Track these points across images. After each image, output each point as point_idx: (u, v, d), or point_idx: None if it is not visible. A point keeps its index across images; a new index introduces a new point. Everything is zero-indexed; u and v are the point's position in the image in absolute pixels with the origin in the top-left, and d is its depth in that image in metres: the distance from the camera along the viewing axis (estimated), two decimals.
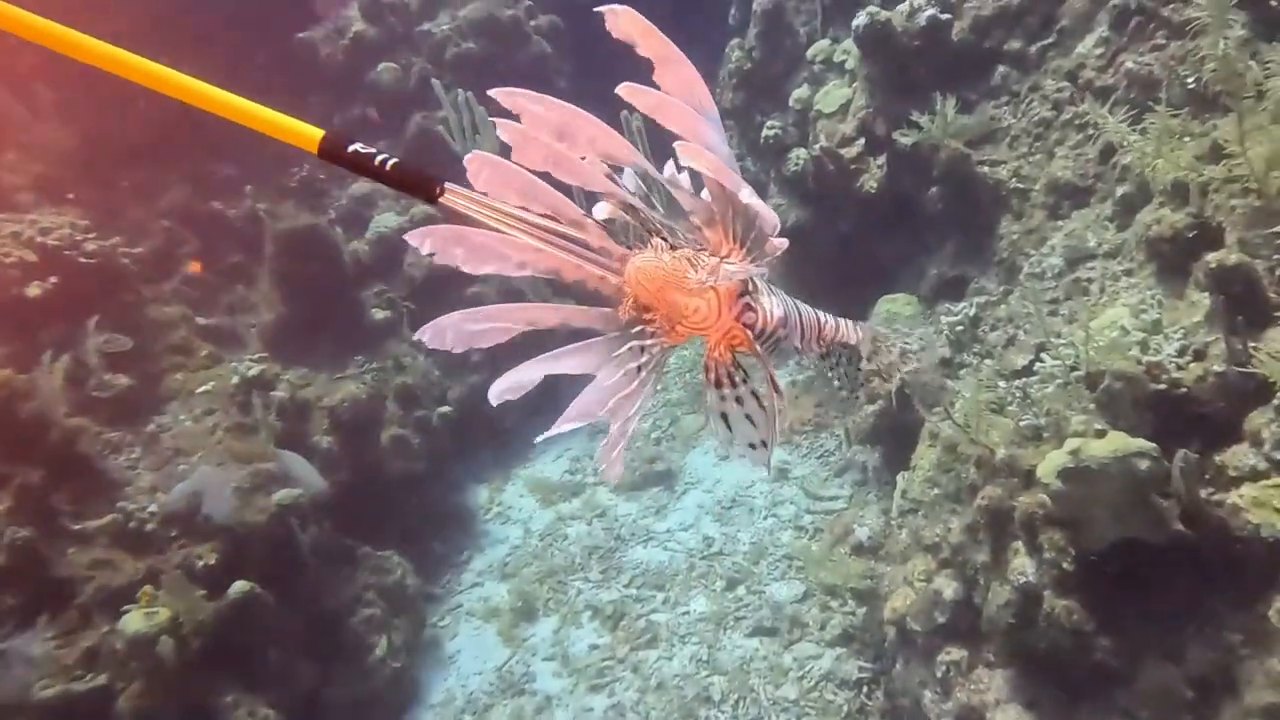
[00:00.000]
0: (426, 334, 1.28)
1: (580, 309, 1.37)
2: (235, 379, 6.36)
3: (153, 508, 5.21)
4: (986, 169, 5.79)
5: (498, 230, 1.23)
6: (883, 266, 6.73)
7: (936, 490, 4.60)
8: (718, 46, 8.46)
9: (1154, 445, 3.33)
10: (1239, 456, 3.28)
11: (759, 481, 6.84)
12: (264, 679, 5.04)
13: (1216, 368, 3.45)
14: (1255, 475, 3.21)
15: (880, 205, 6.59)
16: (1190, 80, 4.35)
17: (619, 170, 1.27)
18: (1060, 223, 5.22)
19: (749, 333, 1.41)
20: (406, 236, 1.27)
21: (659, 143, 1.20)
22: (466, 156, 1.22)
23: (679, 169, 1.29)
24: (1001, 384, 4.49)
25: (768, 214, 1.22)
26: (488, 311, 1.32)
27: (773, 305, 1.44)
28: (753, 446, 1.42)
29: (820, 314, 1.67)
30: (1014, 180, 5.63)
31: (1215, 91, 4.04)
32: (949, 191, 6.03)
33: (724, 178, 1.15)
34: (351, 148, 1.17)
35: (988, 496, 3.97)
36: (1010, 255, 5.54)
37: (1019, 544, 3.82)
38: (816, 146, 6.87)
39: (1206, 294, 3.61)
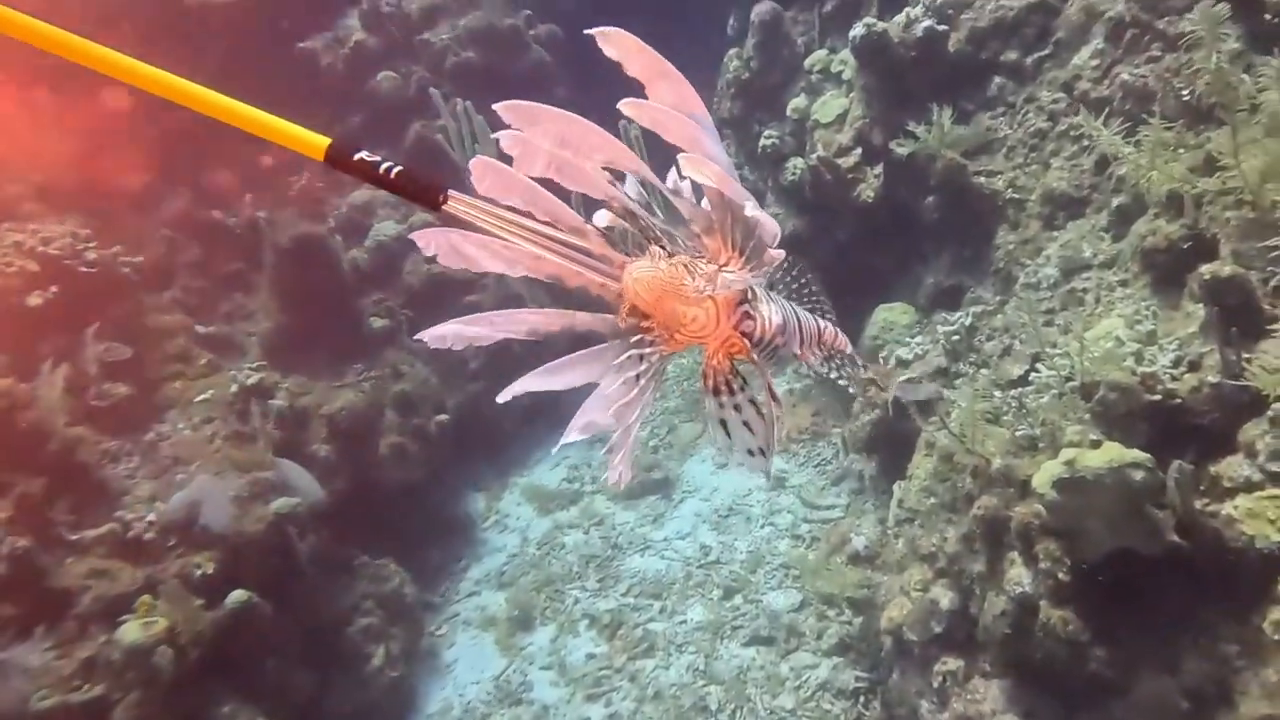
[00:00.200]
0: (427, 337, 1.29)
1: (583, 315, 1.38)
2: (234, 387, 6.37)
3: (151, 517, 5.22)
4: (983, 179, 5.81)
5: (500, 237, 1.25)
6: (880, 275, 6.75)
7: (933, 500, 4.61)
8: (716, 56, 8.49)
9: (1149, 456, 3.35)
10: (1233, 468, 3.29)
11: (756, 490, 6.85)
12: (261, 689, 5.04)
13: (1211, 379, 3.47)
14: (1250, 486, 3.22)
15: (877, 215, 6.61)
16: (1185, 92, 4.38)
17: (620, 178, 1.28)
18: (1056, 233, 5.24)
19: (747, 341, 1.42)
20: (412, 235, 1.29)
21: (656, 152, 1.22)
22: (471, 161, 1.24)
23: (681, 178, 1.30)
24: (997, 394, 4.51)
25: (769, 224, 1.23)
26: (489, 318, 1.33)
27: (771, 313, 1.45)
28: (751, 454, 1.42)
29: (820, 320, 1.68)
30: (1010, 191, 5.66)
31: (1209, 104, 4.06)
32: (945, 201, 6.06)
33: (726, 187, 1.17)
34: (357, 155, 1.19)
35: (984, 506, 3.98)
36: (1006, 265, 5.56)
37: (1015, 554, 3.83)
38: (814, 156, 6.90)
39: (1201, 305, 3.63)
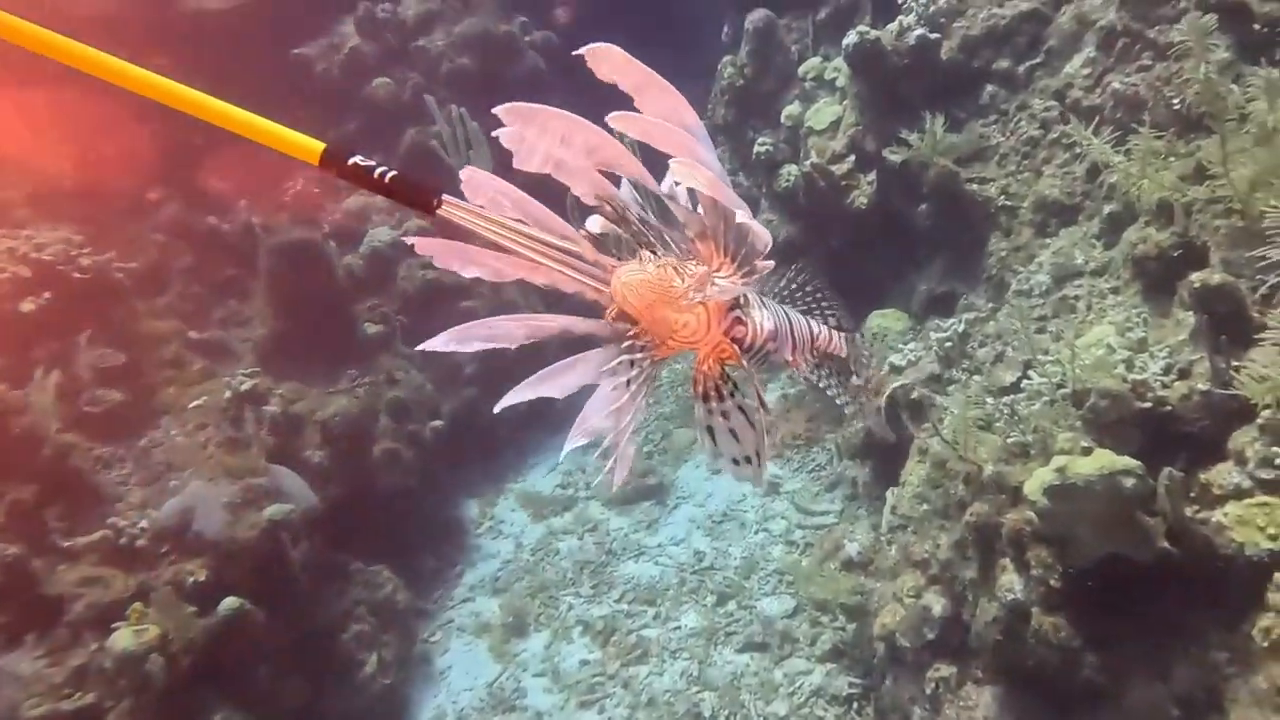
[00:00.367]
0: (428, 348, 1.30)
1: (579, 319, 1.38)
2: (228, 393, 6.36)
3: (144, 523, 5.20)
4: (975, 186, 5.84)
5: (494, 244, 1.26)
6: (873, 282, 6.77)
7: (926, 506, 4.62)
8: (710, 63, 8.53)
9: (1139, 463, 3.36)
10: (1223, 475, 3.30)
11: (750, 496, 6.86)
12: (254, 696, 5.02)
13: (1201, 386, 3.49)
14: (1239, 494, 3.23)
15: (870, 221, 6.64)
16: (1175, 101, 4.41)
17: (616, 181, 1.29)
18: (1048, 240, 5.26)
19: (737, 348, 1.42)
20: (411, 241, 1.29)
21: (651, 160, 1.22)
22: (462, 172, 1.25)
23: (675, 184, 1.31)
24: (990, 400, 4.52)
25: (760, 232, 1.24)
26: (487, 324, 1.33)
27: (763, 319, 1.45)
28: (736, 462, 1.42)
29: (813, 324, 1.68)
30: (1002, 198, 5.68)
31: (1199, 113, 4.09)
32: (938, 208, 6.08)
33: (718, 194, 1.18)
34: (352, 160, 1.20)
35: (976, 513, 3.99)
36: (999, 272, 5.58)
37: (1007, 560, 3.83)
38: (807, 163, 6.92)
39: (1191, 313, 3.65)
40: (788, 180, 7.25)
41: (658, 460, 7.48)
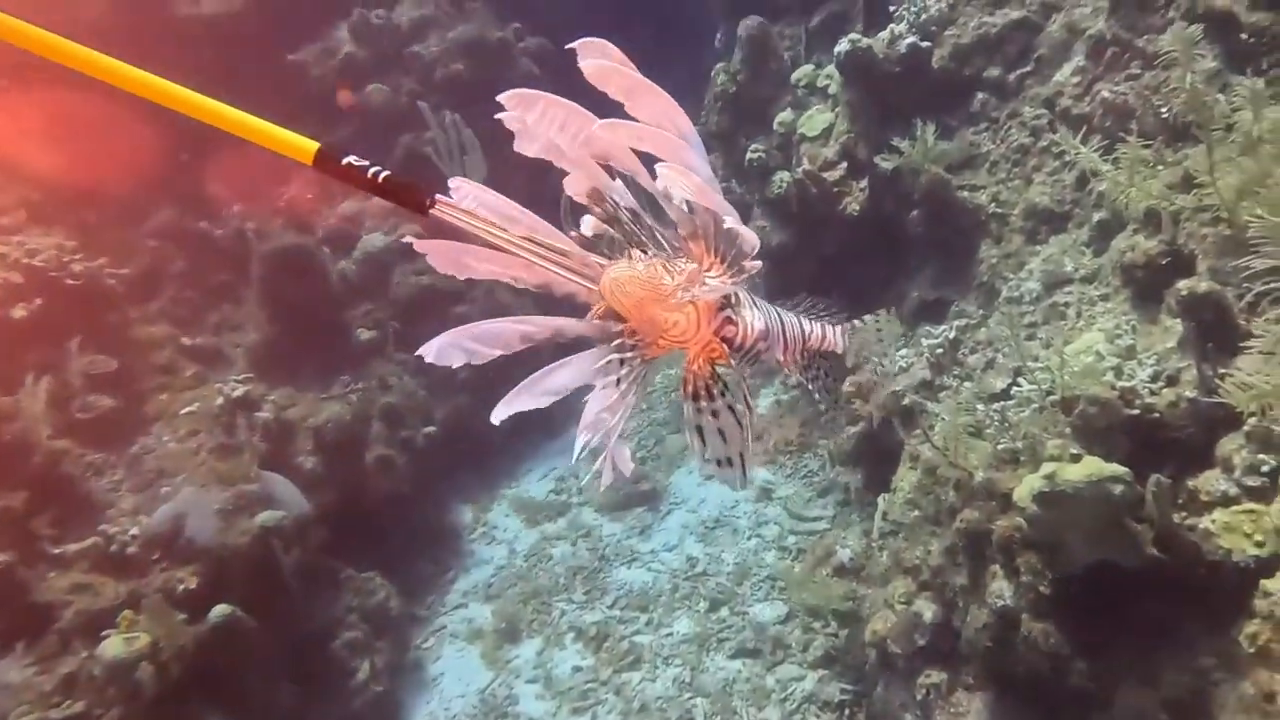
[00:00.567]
0: (430, 352, 1.29)
1: (572, 320, 1.39)
2: (220, 399, 6.35)
3: (135, 530, 5.19)
4: (966, 194, 5.86)
5: (488, 243, 1.27)
6: (865, 288, 6.78)
7: (917, 512, 4.63)
8: (704, 70, 8.55)
9: (1128, 470, 3.37)
10: (1211, 482, 3.32)
11: (743, 501, 6.87)
12: (245, 704, 5.01)
13: (1189, 393, 3.51)
14: (1226, 501, 3.25)
15: (862, 228, 6.66)
16: (1163, 110, 4.44)
17: (614, 179, 1.31)
18: (1038, 247, 5.29)
19: (726, 347, 1.43)
20: (412, 243, 1.30)
21: (643, 158, 1.24)
22: (450, 181, 1.26)
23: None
24: (980, 407, 4.53)
25: (748, 235, 1.25)
26: (484, 327, 1.34)
27: (753, 318, 1.45)
28: (720, 464, 1.41)
29: (805, 322, 1.68)
30: (993, 205, 5.71)
31: (1186, 122, 4.12)
32: (930, 215, 6.10)
33: (706, 200, 1.19)
34: (346, 160, 1.21)
35: (966, 519, 4.01)
36: (990, 279, 5.60)
37: (997, 567, 3.85)
38: (800, 169, 6.94)
39: (1179, 320, 3.68)
40: (780, 187, 7.26)
41: (651, 466, 7.48)
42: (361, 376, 7.20)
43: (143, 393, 6.44)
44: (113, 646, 4.48)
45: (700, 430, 1.42)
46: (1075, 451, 3.60)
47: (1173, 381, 3.61)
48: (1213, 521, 3.25)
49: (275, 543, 5.43)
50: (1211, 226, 3.76)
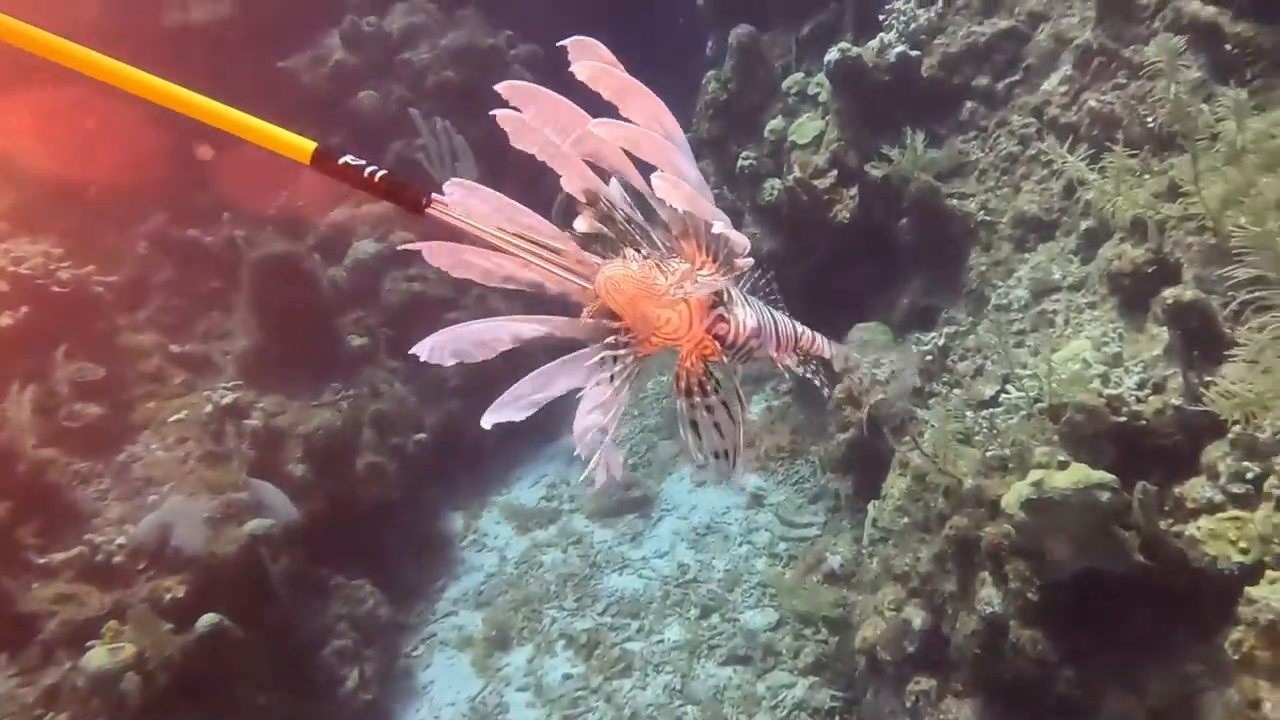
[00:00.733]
0: (423, 351, 1.29)
1: (564, 320, 1.39)
2: (209, 407, 6.32)
3: (121, 539, 5.15)
4: (955, 202, 5.90)
5: (483, 242, 1.28)
6: (856, 295, 6.81)
7: (906, 519, 4.64)
8: (695, 78, 8.58)
9: (1114, 477, 3.39)
10: (1196, 489, 3.34)
11: (734, 508, 6.87)
12: (232, 714, 4.98)
13: (1175, 401, 3.54)
14: (1212, 508, 3.27)
15: (853, 235, 6.68)
16: (1149, 120, 4.48)
17: (605, 179, 1.32)
18: (1027, 255, 5.32)
19: (719, 344, 1.44)
20: (414, 246, 1.29)
21: (634, 159, 1.25)
22: (445, 184, 1.27)
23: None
24: (969, 414, 4.55)
25: (738, 238, 1.27)
26: (477, 326, 1.34)
27: (746, 316, 1.46)
28: (717, 456, 1.43)
29: (798, 325, 1.70)
30: (982, 213, 5.74)
31: (1171, 132, 4.16)
32: (919, 223, 6.13)
33: (698, 208, 1.20)
34: (342, 160, 1.22)
35: (955, 526, 4.02)
36: (979, 286, 5.63)
37: (986, 574, 3.86)
38: (790, 177, 6.96)
39: (1165, 328, 3.70)
40: (771, 194, 7.29)
41: (642, 473, 7.48)
42: (352, 384, 7.17)
43: (130, 400, 6.40)
44: (97, 657, 4.44)
45: (695, 424, 1.43)
46: (1063, 459, 3.61)
47: (1159, 389, 3.63)
48: (1198, 528, 3.27)
49: (264, 551, 5.40)
50: (1197, 235, 3.79)
